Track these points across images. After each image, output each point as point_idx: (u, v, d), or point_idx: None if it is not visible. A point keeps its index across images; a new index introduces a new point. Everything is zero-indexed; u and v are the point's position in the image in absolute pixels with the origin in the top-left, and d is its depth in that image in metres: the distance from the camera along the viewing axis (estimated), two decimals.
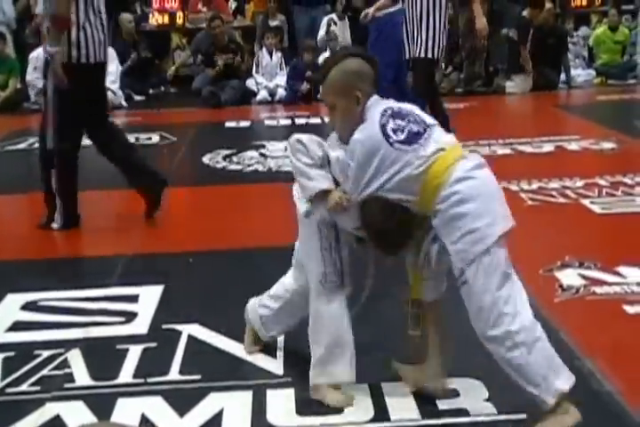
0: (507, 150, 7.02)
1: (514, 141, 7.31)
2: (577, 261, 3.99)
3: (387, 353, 3.06)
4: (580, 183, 5.59)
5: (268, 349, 3.19)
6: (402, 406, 2.73)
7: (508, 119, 9.79)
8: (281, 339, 3.26)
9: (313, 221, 2.72)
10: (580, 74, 11.50)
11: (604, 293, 3.62)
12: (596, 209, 4.96)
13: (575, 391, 2.60)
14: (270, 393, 2.85)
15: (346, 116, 2.62)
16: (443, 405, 2.74)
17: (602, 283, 3.72)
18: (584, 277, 3.81)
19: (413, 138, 2.48)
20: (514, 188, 5.57)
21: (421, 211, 2.54)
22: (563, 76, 11.11)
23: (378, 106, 2.58)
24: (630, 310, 3.40)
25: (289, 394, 2.84)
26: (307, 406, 2.75)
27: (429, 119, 2.58)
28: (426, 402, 2.75)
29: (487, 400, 2.75)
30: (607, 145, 6.98)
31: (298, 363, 3.02)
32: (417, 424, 2.64)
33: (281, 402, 2.79)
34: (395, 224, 2.56)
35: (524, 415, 2.64)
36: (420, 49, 6.18)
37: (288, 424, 2.66)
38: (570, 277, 3.81)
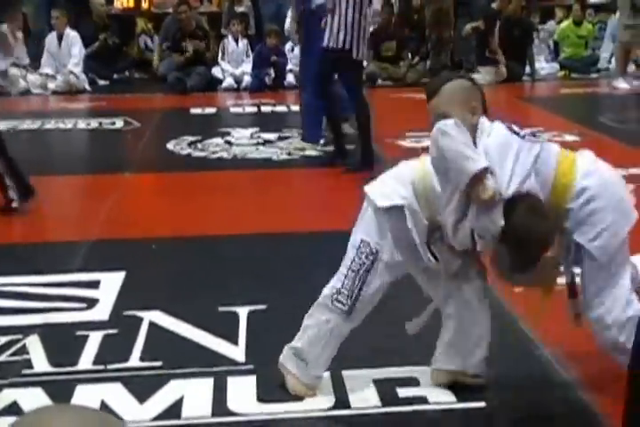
0: None
1: None
2: None
3: (348, 342, 3.08)
4: None
5: (230, 335, 3.18)
6: (362, 393, 2.75)
7: None
8: (243, 325, 3.26)
9: (373, 231, 2.67)
10: (545, 67, 11.61)
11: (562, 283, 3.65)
12: None
13: (534, 380, 2.64)
14: (231, 380, 2.85)
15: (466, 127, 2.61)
16: (402, 392, 2.76)
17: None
18: None
19: (535, 137, 2.62)
20: None
21: (552, 210, 2.53)
22: (527, 69, 11.19)
23: (488, 122, 2.60)
24: None
25: (250, 381, 2.84)
26: (268, 393, 2.76)
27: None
28: (385, 390, 2.77)
29: (448, 389, 2.77)
30: (570, 138, 7.04)
31: (260, 350, 3.03)
32: (377, 412, 2.66)
33: (242, 389, 2.79)
34: (551, 229, 2.52)
35: (482, 403, 2.68)
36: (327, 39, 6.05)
37: (249, 411, 2.66)
38: None
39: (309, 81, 6.59)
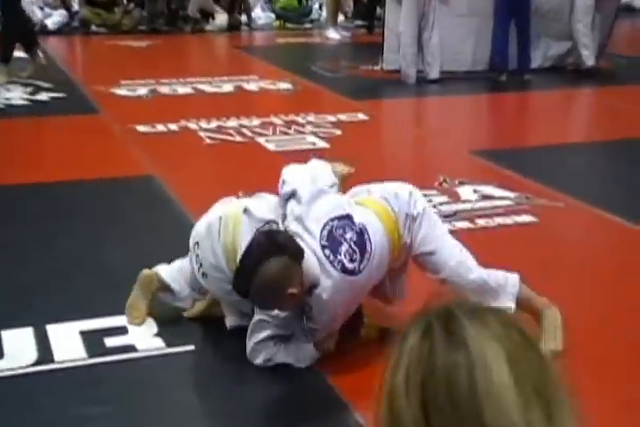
0: (187, 89, 6.99)
1: (194, 81, 7.30)
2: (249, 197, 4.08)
3: (52, 295, 2.97)
4: (256, 122, 5.71)
5: None
6: (67, 345, 2.66)
7: (191, 58, 9.77)
8: None
9: None
10: (261, 16, 11.71)
11: None
12: (271, 147, 5.11)
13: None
14: None
15: (295, 305, 2.46)
16: (110, 342, 2.70)
17: None
18: None
19: (362, 247, 2.47)
20: (193, 126, 5.57)
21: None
22: (244, 18, 11.24)
23: (313, 258, 2.42)
24: None
25: None
26: None
27: (336, 202, 2.56)
28: (92, 341, 2.69)
29: (156, 335, 2.75)
30: (284, 86, 7.19)
31: None
32: (83, 364, 2.58)
33: None
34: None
35: (192, 347, 2.69)
36: None
37: None
38: None
39: None
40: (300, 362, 2.57)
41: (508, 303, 2.65)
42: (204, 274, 2.67)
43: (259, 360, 2.55)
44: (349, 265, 2.41)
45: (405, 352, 0.93)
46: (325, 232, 2.45)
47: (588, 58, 7.49)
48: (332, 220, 2.48)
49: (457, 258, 2.67)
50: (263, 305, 2.45)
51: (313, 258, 2.40)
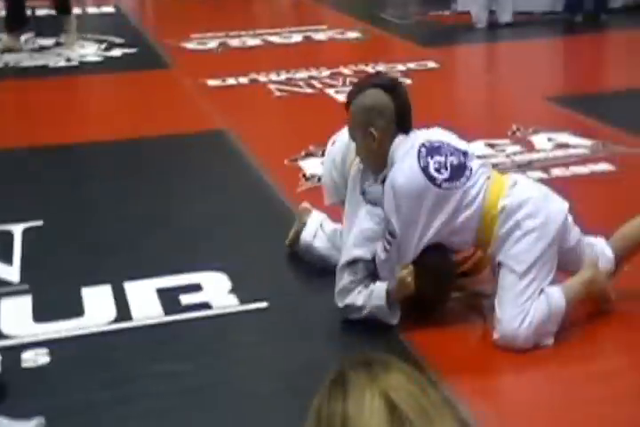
0: (257, 41, 6.95)
1: (264, 32, 7.26)
2: (320, 150, 4.06)
3: (128, 251, 3.03)
4: (326, 73, 5.67)
5: (5, 254, 3.04)
6: (144, 304, 2.71)
7: (260, 9, 9.69)
8: (18, 243, 3.12)
9: None
10: None
11: None
12: (341, 98, 5.05)
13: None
14: (5, 302, 2.73)
15: (366, 154, 2.50)
16: (185, 300, 2.74)
17: None
18: None
19: (457, 172, 2.42)
20: (262, 79, 5.56)
21: (481, 242, 2.51)
22: None
23: (407, 144, 2.44)
24: None
25: (26, 302, 2.73)
26: (45, 313, 2.66)
27: (462, 145, 2.53)
28: (168, 298, 2.74)
29: (230, 292, 2.78)
30: (353, 35, 7.09)
31: (35, 270, 2.91)
32: (159, 321, 2.63)
33: (17, 311, 2.68)
34: (446, 296, 2.57)
35: (265, 304, 2.71)
36: None
37: (25, 333, 2.56)
38: (313, 166, 3.89)
39: None
40: (379, 310, 2.49)
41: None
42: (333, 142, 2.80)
43: (341, 304, 2.54)
44: (433, 171, 2.39)
45: (313, 403, 1.01)
46: (435, 141, 2.45)
47: None
48: (449, 144, 2.49)
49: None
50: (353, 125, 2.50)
51: (408, 144, 2.42)
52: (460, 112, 4.99)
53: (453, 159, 2.44)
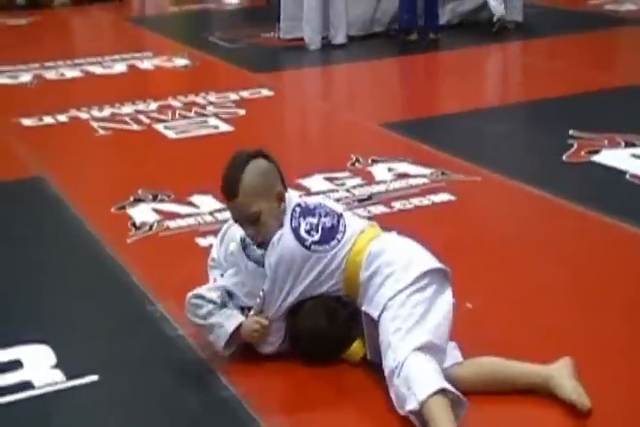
0: (76, 72, 6.57)
1: (83, 62, 6.88)
2: (151, 194, 3.81)
3: None
4: (153, 106, 5.39)
5: None
6: None
7: (78, 35, 9.24)
8: None
9: None
10: None
11: (178, 226, 3.49)
12: (171, 134, 4.80)
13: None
14: None
15: (274, 219, 2.40)
16: (3, 380, 2.42)
17: (175, 216, 3.58)
18: (158, 211, 3.63)
19: (329, 234, 2.39)
20: (84, 116, 5.22)
21: (349, 291, 2.41)
22: None
23: (290, 204, 2.42)
24: (203, 242, 3.29)
25: None
26: None
27: (338, 207, 2.51)
28: None
29: (55, 367, 2.49)
30: (180, 62, 6.83)
31: None
32: None
33: None
34: (340, 329, 2.43)
35: (95, 377, 2.43)
36: None
37: None
38: (143, 213, 3.62)
39: None
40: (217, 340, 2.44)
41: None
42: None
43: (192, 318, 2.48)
44: (303, 233, 2.36)
45: None
46: (310, 202, 2.47)
47: (496, 8, 7.19)
48: (324, 205, 2.46)
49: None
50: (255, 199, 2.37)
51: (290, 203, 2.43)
52: (297, 143, 4.85)
53: (327, 221, 2.41)
